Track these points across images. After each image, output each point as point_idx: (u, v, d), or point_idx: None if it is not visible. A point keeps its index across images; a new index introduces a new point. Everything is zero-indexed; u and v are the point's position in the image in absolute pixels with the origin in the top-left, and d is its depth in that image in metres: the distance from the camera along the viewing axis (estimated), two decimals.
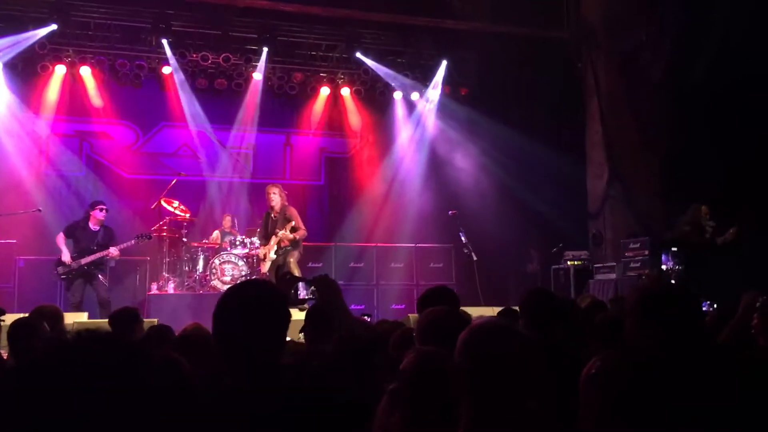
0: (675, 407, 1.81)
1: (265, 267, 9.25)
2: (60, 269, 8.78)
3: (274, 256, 9.16)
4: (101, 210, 8.99)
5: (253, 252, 9.95)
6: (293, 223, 9.08)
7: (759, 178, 9.82)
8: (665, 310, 2.12)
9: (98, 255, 8.90)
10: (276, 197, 9.23)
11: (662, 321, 2.10)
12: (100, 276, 8.93)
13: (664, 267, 8.94)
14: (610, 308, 4.54)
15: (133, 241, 9.24)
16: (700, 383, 2.00)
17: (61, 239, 8.88)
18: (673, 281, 8.38)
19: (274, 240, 9.11)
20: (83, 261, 8.77)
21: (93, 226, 8.94)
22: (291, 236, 9.02)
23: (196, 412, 1.93)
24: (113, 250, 9.00)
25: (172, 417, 1.88)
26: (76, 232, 8.92)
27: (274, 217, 9.25)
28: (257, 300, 2.09)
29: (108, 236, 9.04)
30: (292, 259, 9.15)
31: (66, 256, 8.74)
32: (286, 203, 9.35)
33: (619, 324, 3.21)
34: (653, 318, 2.12)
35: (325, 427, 1.89)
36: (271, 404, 1.90)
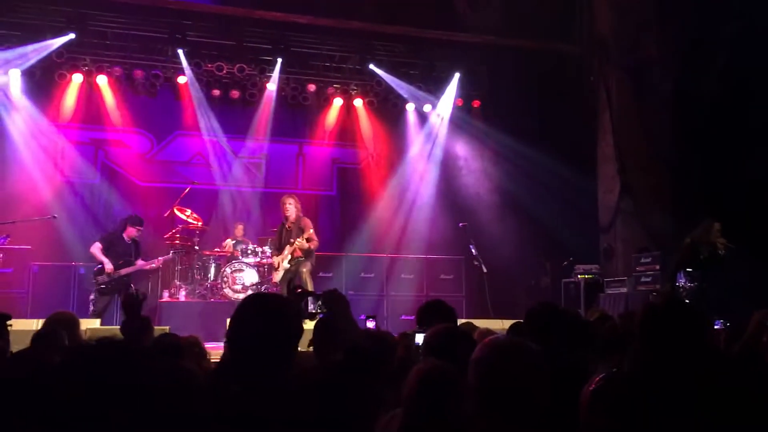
0: (671, 425, 1.82)
1: (278, 276, 9.27)
2: (100, 278, 8.82)
3: (288, 266, 9.18)
4: (138, 230, 9.11)
5: (265, 261, 10.00)
6: (311, 231, 9.12)
7: None
8: (669, 328, 2.14)
9: (138, 267, 9.04)
10: (292, 207, 9.26)
11: (666, 338, 2.12)
12: (132, 286, 9.02)
13: (678, 284, 8.89)
14: (619, 323, 4.54)
15: (171, 254, 9.66)
16: (702, 401, 2.01)
17: (98, 250, 8.89)
18: (687, 300, 8.32)
19: (288, 249, 9.12)
20: (123, 272, 8.86)
21: (127, 239, 9.05)
22: (306, 245, 9.05)
23: (205, 416, 1.97)
24: (157, 261, 9.28)
25: (181, 420, 1.92)
26: (113, 243, 8.99)
27: (289, 227, 9.28)
28: (275, 312, 2.14)
29: (138, 249, 9.18)
30: (305, 269, 9.15)
31: (109, 267, 8.78)
32: (301, 214, 9.39)
33: (616, 339, 3.24)
34: (658, 335, 2.13)
35: None
36: (279, 412, 1.93)
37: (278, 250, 9.37)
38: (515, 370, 1.78)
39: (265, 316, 2.12)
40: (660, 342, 2.14)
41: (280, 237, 9.41)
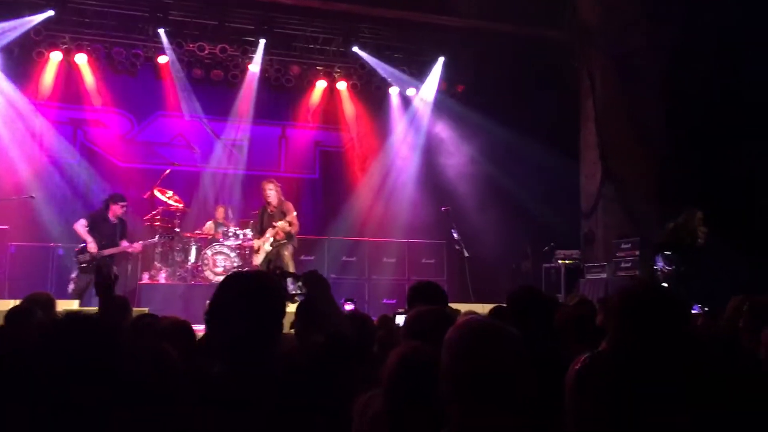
0: (654, 405, 1.83)
1: (258, 259, 9.25)
2: (81, 257, 8.69)
3: (269, 248, 9.16)
4: (123, 207, 8.95)
5: (246, 244, 9.95)
6: (294, 215, 9.10)
7: (753, 182, 9.87)
8: (646, 313, 2.14)
9: (121, 249, 8.90)
10: (273, 193, 9.22)
11: (642, 323, 2.12)
12: (114, 267, 8.92)
13: (656, 268, 8.98)
14: (598, 308, 4.58)
15: (156, 238, 9.45)
16: (681, 383, 2.03)
17: (83, 228, 8.75)
18: (665, 284, 8.42)
19: (270, 232, 9.11)
20: (106, 252, 8.72)
21: (112, 218, 8.90)
22: (288, 228, 9.04)
23: (188, 399, 1.95)
24: (137, 245, 9.08)
25: (158, 400, 1.91)
26: (98, 223, 8.83)
27: (271, 211, 9.25)
28: (259, 292, 2.06)
29: (123, 229, 9.03)
30: (287, 252, 9.15)
31: (93, 246, 8.64)
32: (282, 198, 9.35)
33: (583, 322, 3.28)
34: (634, 319, 2.14)
35: (310, 419, 1.91)
36: (259, 393, 1.91)
37: (260, 233, 9.34)
38: (491, 352, 1.77)
39: (248, 297, 2.04)
40: (637, 327, 2.15)
41: (261, 220, 9.38)
